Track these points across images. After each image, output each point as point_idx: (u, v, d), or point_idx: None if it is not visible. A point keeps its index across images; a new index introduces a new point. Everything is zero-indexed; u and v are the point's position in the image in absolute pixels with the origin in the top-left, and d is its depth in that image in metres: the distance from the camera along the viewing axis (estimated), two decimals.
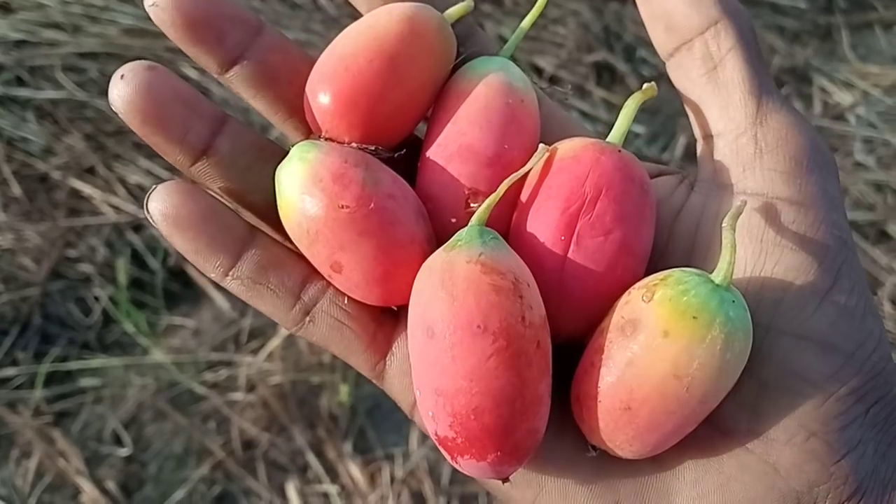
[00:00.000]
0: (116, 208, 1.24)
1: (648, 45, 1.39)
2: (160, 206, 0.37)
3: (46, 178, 1.27)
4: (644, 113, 1.34)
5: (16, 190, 1.25)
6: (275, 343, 1.14)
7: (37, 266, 1.20)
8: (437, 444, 0.35)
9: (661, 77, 1.38)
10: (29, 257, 1.20)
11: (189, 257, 0.38)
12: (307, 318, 0.38)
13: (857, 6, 1.52)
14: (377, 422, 1.10)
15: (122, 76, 0.36)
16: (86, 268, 1.20)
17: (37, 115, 1.32)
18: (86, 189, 1.25)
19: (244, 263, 0.38)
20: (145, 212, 0.37)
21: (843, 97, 1.40)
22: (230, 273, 0.38)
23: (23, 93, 1.33)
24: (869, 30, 1.50)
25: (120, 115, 0.37)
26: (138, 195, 1.25)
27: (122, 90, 0.36)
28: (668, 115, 1.36)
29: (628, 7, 1.39)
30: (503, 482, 0.36)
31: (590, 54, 1.39)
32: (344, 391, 1.10)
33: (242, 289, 0.38)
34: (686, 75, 0.38)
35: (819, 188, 0.36)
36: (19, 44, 1.37)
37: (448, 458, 0.35)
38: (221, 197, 0.39)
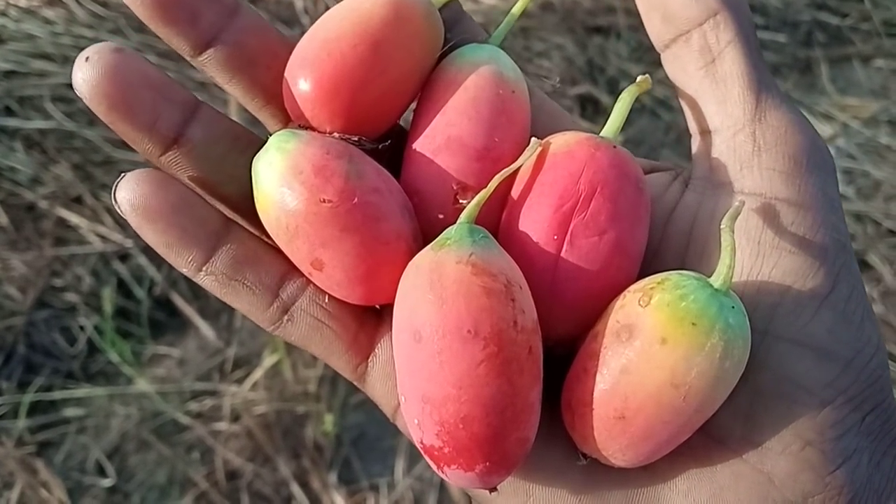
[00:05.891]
0: (103, 237, 1.24)
1: (631, 78, 1.41)
2: (129, 195, 0.35)
3: (33, 207, 1.27)
4: (628, 144, 1.35)
5: (2, 219, 1.25)
6: (259, 373, 1.14)
7: (22, 295, 1.20)
8: (422, 452, 0.34)
9: (644, 108, 1.39)
10: (14, 286, 1.20)
11: (160, 251, 0.36)
12: (286, 317, 0.37)
13: (836, 40, 1.54)
14: (362, 452, 1.10)
15: (87, 58, 0.34)
16: (71, 297, 1.20)
17: (25, 145, 1.32)
18: (73, 218, 1.26)
19: (219, 258, 0.36)
20: (112, 201, 0.35)
21: (823, 129, 1.41)
22: (203, 268, 0.36)
23: (11, 123, 1.33)
24: (847, 63, 1.51)
25: (85, 101, 0.35)
26: (125, 224, 1.25)
27: (88, 73, 0.34)
28: (652, 146, 1.38)
29: (611, 41, 1.41)
30: (490, 492, 0.34)
31: (574, 87, 1.40)
32: (329, 421, 1.10)
33: (217, 285, 0.37)
34: (683, 68, 0.37)
35: (818, 189, 0.35)
36: (8, 74, 1.38)
37: (434, 467, 0.34)
38: (194, 187, 0.37)
